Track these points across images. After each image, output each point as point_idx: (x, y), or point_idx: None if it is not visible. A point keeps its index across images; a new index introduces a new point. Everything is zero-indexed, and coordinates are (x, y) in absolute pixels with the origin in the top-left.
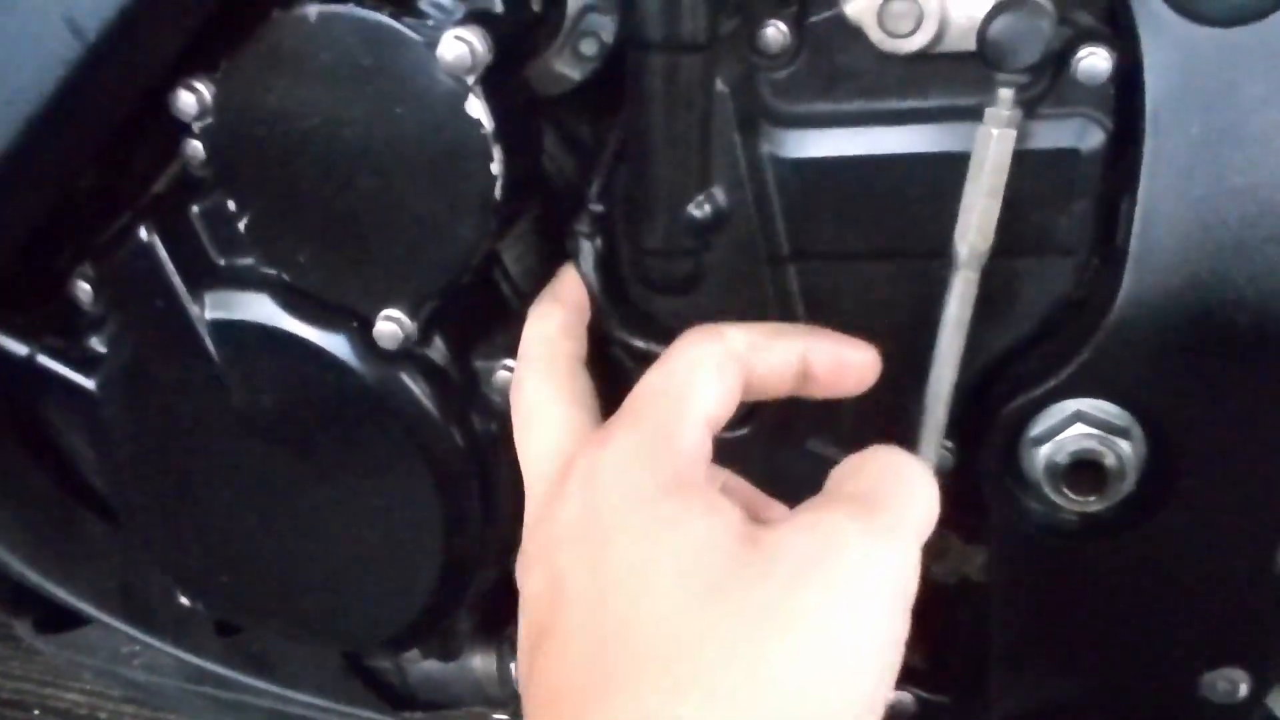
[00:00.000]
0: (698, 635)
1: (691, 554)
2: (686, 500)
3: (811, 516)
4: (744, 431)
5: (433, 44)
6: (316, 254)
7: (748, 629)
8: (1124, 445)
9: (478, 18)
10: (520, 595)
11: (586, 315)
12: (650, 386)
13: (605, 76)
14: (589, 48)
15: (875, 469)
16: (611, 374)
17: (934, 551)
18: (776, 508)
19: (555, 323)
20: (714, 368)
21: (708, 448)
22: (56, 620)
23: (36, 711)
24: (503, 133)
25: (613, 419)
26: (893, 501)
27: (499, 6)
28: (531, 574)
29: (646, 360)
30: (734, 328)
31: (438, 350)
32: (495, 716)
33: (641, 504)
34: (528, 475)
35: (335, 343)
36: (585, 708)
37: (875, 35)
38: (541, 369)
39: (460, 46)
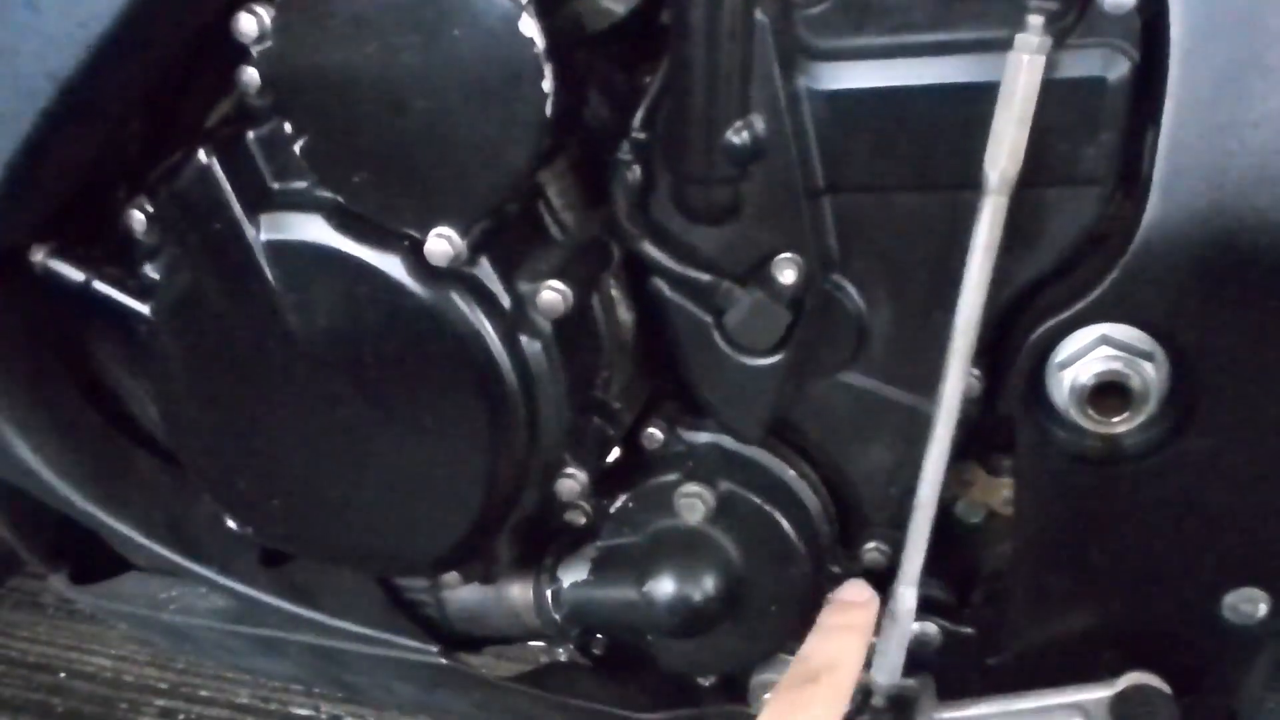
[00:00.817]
0: None
1: None
2: None
3: None
4: (776, 359)
5: None
6: (370, 175)
7: None
8: (1148, 368)
9: None
10: None
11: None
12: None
13: (645, 18)
14: None
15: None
16: (650, 303)
17: (959, 485)
18: None
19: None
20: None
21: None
22: (92, 571)
23: (63, 675)
24: (553, 52)
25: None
26: None
27: None
28: None
29: (684, 286)
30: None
31: (485, 271)
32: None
33: None
34: None
35: (388, 261)
36: None
37: None
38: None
39: None
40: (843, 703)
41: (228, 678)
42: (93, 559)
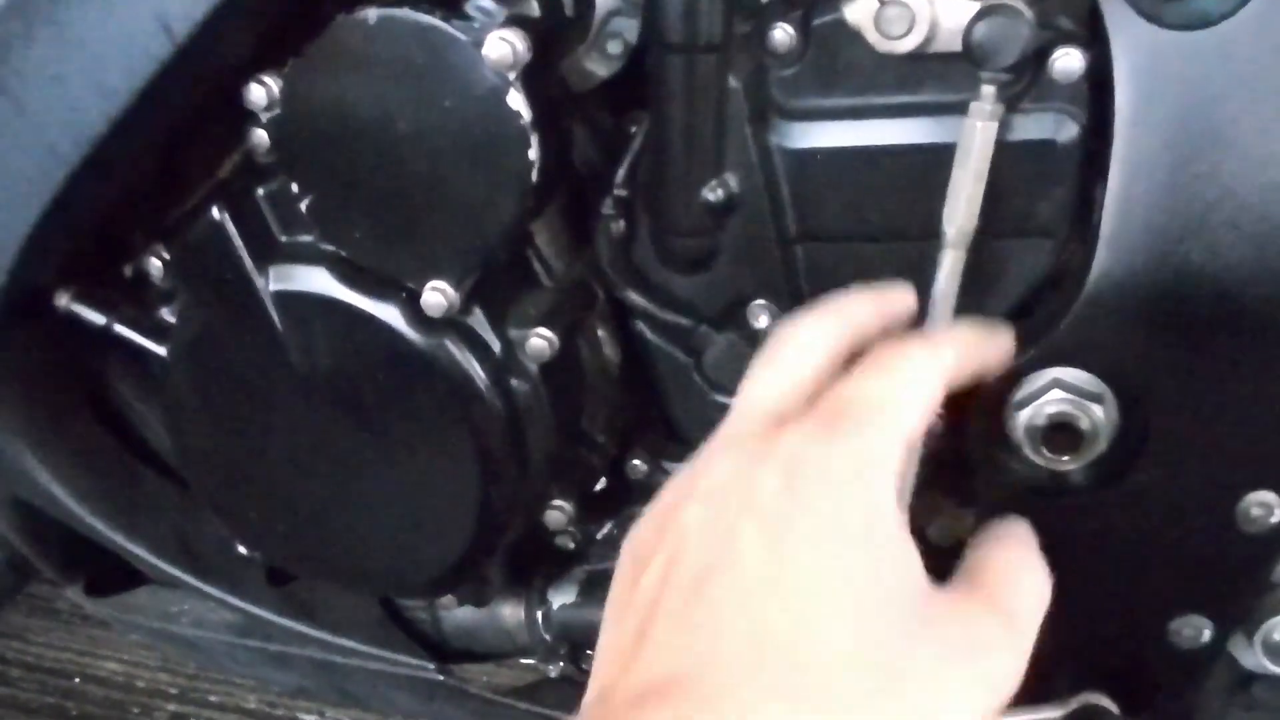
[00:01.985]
0: (858, 670)
1: (874, 597)
2: (883, 538)
3: (971, 608)
4: None
5: (479, 43)
6: (371, 231)
7: (897, 688)
8: (1097, 410)
9: (518, 20)
10: (664, 497)
11: (900, 321)
12: (868, 394)
13: (628, 73)
14: (615, 47)
15: (1012, 564)
16: (634, 344)
17: (927, 513)
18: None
19: (867, 308)
20: (927, 390)
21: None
22: (106, 583)
23: (77, 679)
24: (539, 123)
25: (828, 409)
26: (1024, 607)
27: (536, 11)
28: (697, 503)
29: (664, 329)
30: (947, 340)
31: (478, 319)
32: (524, 662)
33: (840, 520)
34: (744, 401)
35: (386, 311)
36: (734, 677)
37: (872, 37)
38: (820, 320)
39: (504, 46)
40: (944, 363)
41: (236, 683)
42: (107, 572)
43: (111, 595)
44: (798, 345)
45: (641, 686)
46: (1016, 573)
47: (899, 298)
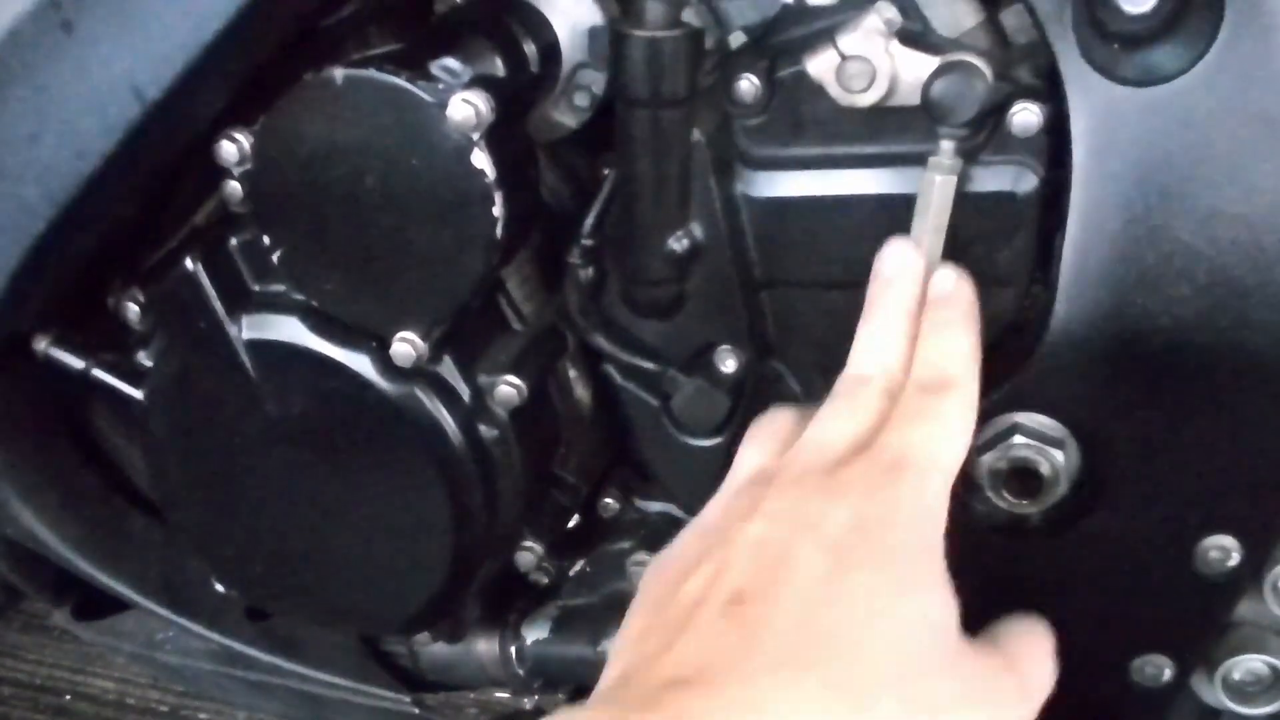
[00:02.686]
0: (893, 695)
1: (919, 633)
2: (933, 581)
3: (994, 663)
4: (719, 440)
5: (443, 105)
6: (341, 282)
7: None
8: (1058, 455)
9: (482, 81)
10: (710, 518)
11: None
12: (924, 446)
13: (597, 118)
14: (582, 100)
15: (1033, 643)
16: (604, 387)
17: None
18: None
19: (909, 328)
20: (967, 437)
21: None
22: (94, 608)
23: (68, 697)
24: (504, 180)
25: (889, 457)
26: (1038, 679)
27: (501, 70)
28: (760, 522)
29: (633, 374)
30: (974, 378)
31: (447, 367)
32: (497, 695)
33: (900, 558)
34: (811, 440)
35: (356, 360)
36: (773, 678)
37: (834, 91)
38: (883, 356)
39: (467, 108)
40: (973, 401)
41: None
42: (95, 596)
43: (99, 619)
44: (866, 390)
45: (672, 673)
46: (1035, 650)
47: (913, 273)
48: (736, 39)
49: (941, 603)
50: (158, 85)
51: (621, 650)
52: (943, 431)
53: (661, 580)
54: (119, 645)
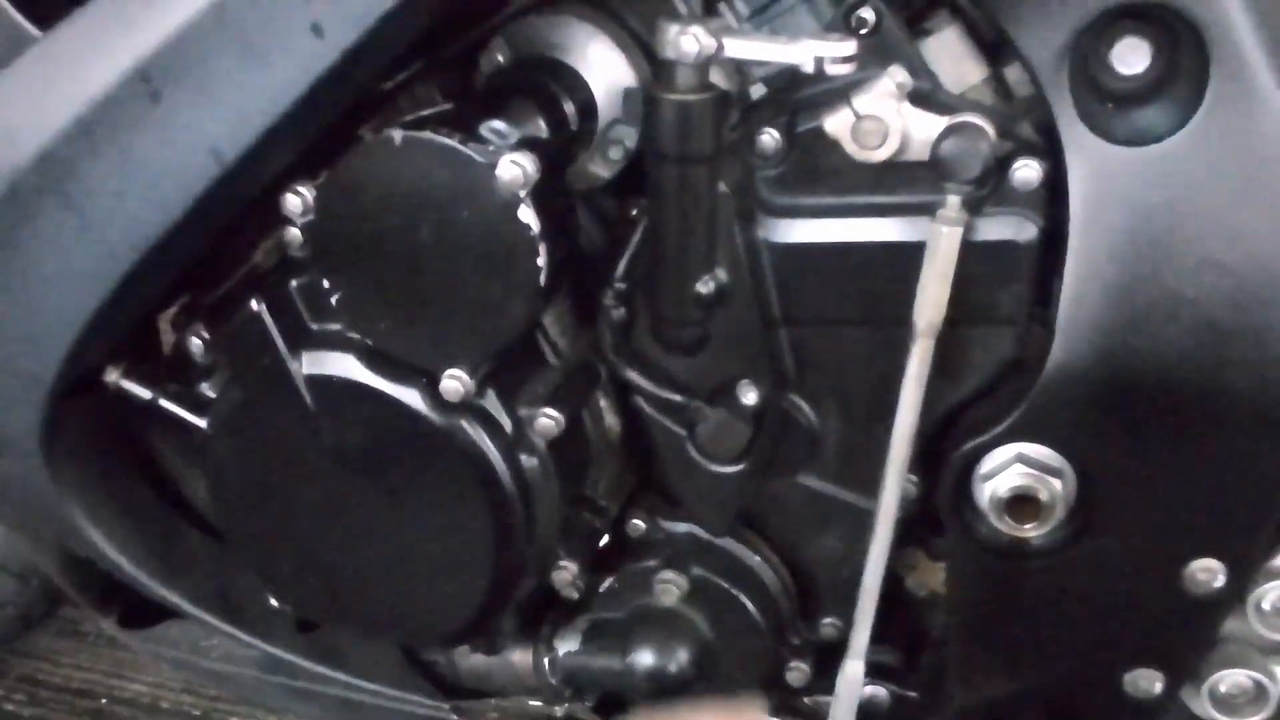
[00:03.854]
0: None
1: None
2: None
3: None
4: (740, 467)
5: (493, 165)
6: (394, 324)
7: None
8: (1056, 483)
9: (528, 143)
10: None
11: None
12: None
13: (629, 168)
14: (616, 153)
15: None
16: (633, 416)
17: (904, 566)
18: None
19: None
20: None
21: None
22: (138, 617)
23: (104, 700)
24: (547, 233)
25: None
26: None
27: (544, 130)
28: None
29: (661, 405)
30: None
31: (490, 401)
32: (531, 703)
33: None
34: None
35: (408, 395)
36: None
37: (849, 147)
38: None
39: (515, 169)
40: None
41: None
42: (140, 605)
43: (144, 628)
44: None
45: None
46: None
47: None
48: (757, 90)
49: None
50: (234, 149)
51: None
52: None
53: None
54: (163, 652)
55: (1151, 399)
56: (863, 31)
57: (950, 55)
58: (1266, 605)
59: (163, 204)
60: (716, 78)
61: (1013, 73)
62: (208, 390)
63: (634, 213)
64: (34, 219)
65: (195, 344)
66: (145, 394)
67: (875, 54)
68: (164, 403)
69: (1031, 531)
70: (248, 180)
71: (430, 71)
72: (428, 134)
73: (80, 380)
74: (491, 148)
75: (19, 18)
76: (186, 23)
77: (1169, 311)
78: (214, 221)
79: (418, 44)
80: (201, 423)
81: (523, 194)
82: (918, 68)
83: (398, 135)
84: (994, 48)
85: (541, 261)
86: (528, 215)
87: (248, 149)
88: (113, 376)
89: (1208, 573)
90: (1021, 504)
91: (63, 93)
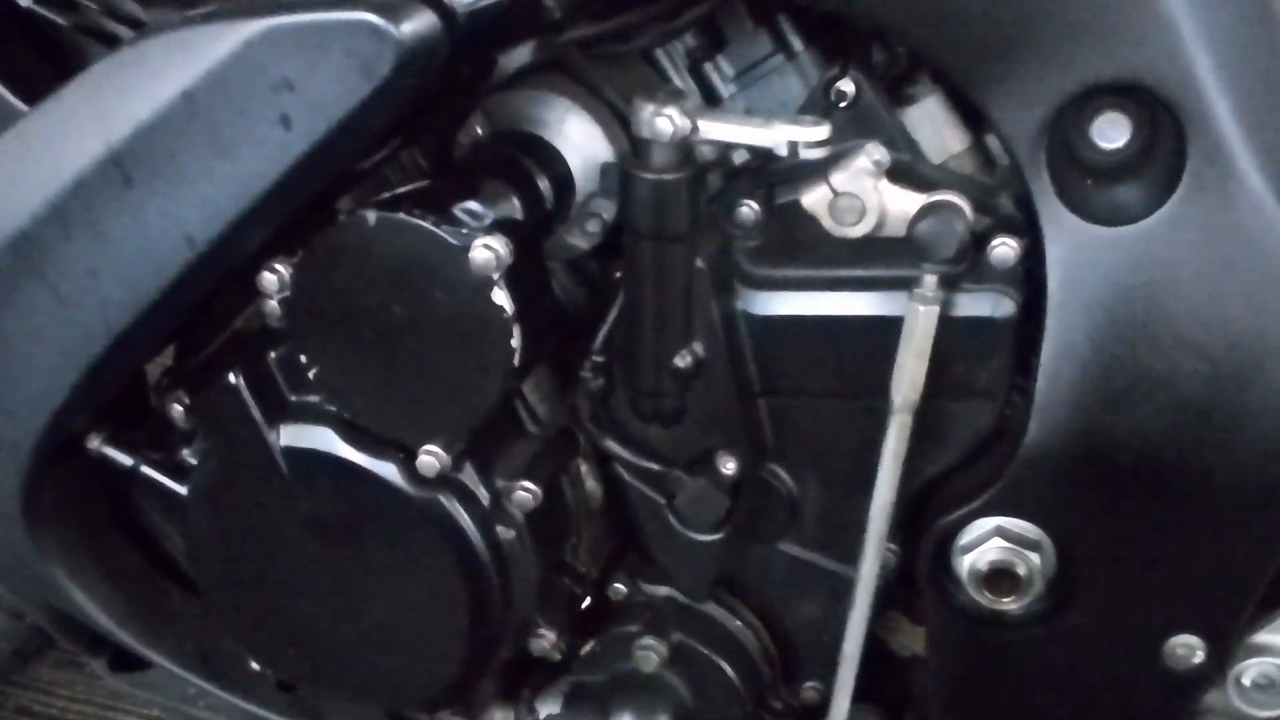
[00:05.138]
0: None
1: None
2: None
3: None
4: (718, 536)
5: (466, 248)
6: (371, 398)
7: None
8: (1034, 557)
9: (502, 225)
10: None
11: None
12: None
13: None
14: (593, 226)
15: None
16: (611, 483)
17: (887, 630)
18: None
19: None
20: None
21: None
22: (129, 660)
23: None
24: (521, 314)
25: None
26: None
27: (519, 209)
28: None
29: (640, 474)
30: None
31: (468, 474)
32: None
33: None
34: None
35: (385, 469)
36: None
37: (827, 223)
38: None
39: (488, 253)
40: None
41: None
42: (130, 651)
43: (133, 671)
44: None
45: None
46: None
47: None
48: (740, 156)
49: None
50: (206, 234)
51: None
52: None
53: None
54: (153, 698)
55: (1129, 476)
56: (842, 104)
57: (932, 124)
58: (1247, 680)
59: (138, 285)
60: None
61: (994, 141)
62: (189, 456)
63: (616, 275)
64: (11, 295)
65: (176, 410)
66: (127, 460)
67: (855, 126)
68: (145, 469)
69: (1010, 604)
70: (222, 262)
71: (409, 142)
72: (401, 215)
73: (61, 446)
74: (465, 230)
75: (6, 93)
76: (158, 111)
77: (1145, 391)
78: (190, 300)
79: (392, 126)
80: (181, 489)
81: (496, 276)
82: (897, 139)
83: (372, 215)
84: (976, 114)
85: (515, 342)
86: (501, 298)
87: (220, 234)
88: (94, 443)
89: (1187, 648)
90: (1000, 577)
91: (39, 173)
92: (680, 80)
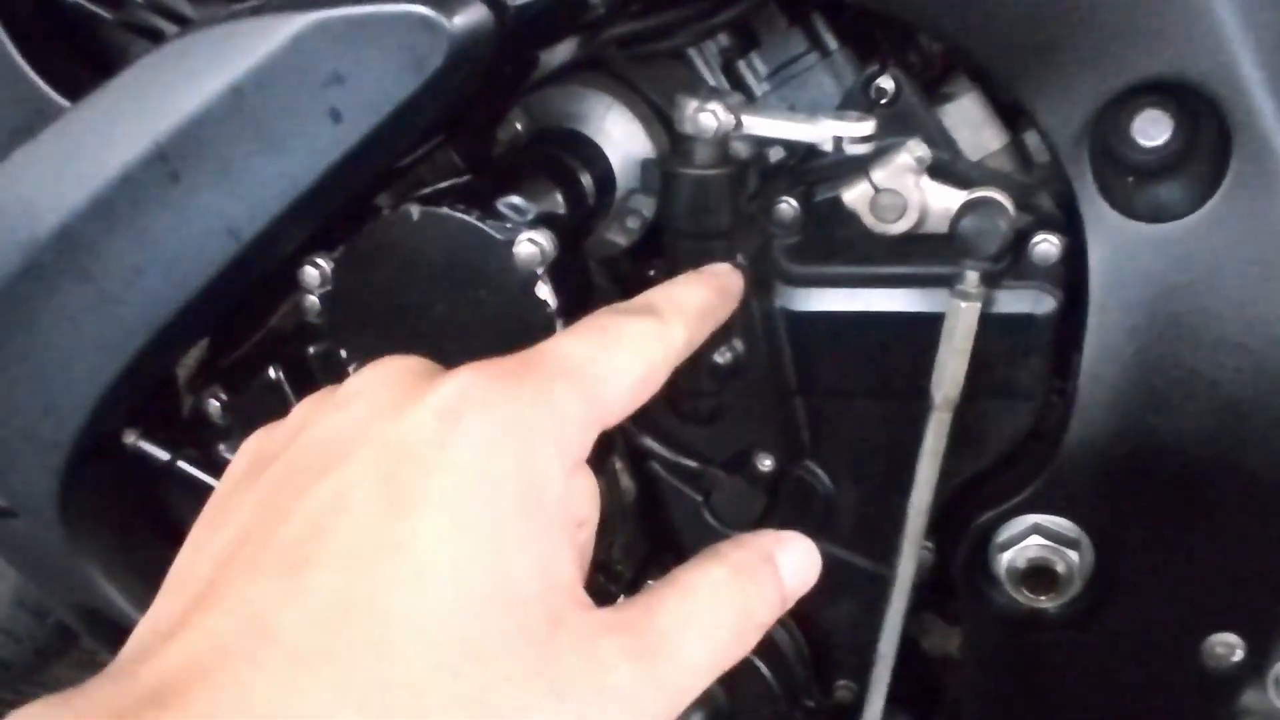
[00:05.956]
0: (445, 695)
1: (490, 601)
2: (527, 529)
3: (613, 645)
4: None
5: (510, 243)
6: None
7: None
8: (1073, 555)
9: (545, 220)
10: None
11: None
12: (572, 353)
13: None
14: (633, 222)
15: (690, 603)
16: (648, 482)
17: (920, 630)
18: None
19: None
20: (644, 368)
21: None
22: None
23: None
24: (564, 310)
25: (522, 358)
26: (687, 658)
27: (561, 205)
28: (334, 414)
29: (677, 471)
30: (680, 319)
31: None
32: None
33: (482, 492)
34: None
35: None
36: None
37: (868, 220)
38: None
39: (532, 247)
40: (672, 343)
41: None
42: None
43: None
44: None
45: (160, 678)
46: (695, 618)
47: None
48: (775, 154)
49: (536, 563)
50: (252, 229)
51: (150, 614)
52: (610, 347)
53: (215, 505)
54: None
55: (1170, 475)
56: (882, 101)
57: (969, 123)
58: None
59: (181, 280)
60: (735, 145)
61: (1032, 139)
62: (225, 452)
63: (651, 274)
64: (53, 292)
65: (213, 405)
66: (163, 456)
67: (894, 123)
68: (181, 464)
69: (1048, 603)
70: (265, 257)
71: (448, 139)
72: (445, 210)
73: (98, 443)
74: (509, 225)
75: (48, 89)
76: (204, 106)
77: (1187, 390)
78: (232, 295)
79: (438, 121)
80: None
81: (540, 271)
82: (936, 137)
83: (415, 210)
84: (1013, 112)
85: None
86: (545, 292)
87: (265, 229)
88: (131, 439)
89: (1226, 647)
90: (1038, 575)
91: (83, 169)
92: (714, 79)
